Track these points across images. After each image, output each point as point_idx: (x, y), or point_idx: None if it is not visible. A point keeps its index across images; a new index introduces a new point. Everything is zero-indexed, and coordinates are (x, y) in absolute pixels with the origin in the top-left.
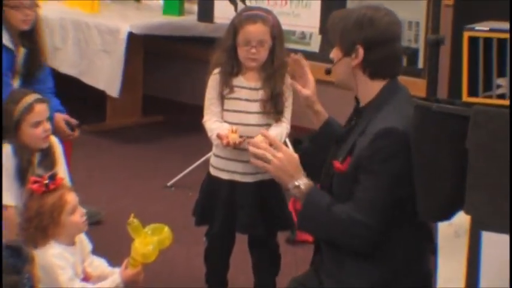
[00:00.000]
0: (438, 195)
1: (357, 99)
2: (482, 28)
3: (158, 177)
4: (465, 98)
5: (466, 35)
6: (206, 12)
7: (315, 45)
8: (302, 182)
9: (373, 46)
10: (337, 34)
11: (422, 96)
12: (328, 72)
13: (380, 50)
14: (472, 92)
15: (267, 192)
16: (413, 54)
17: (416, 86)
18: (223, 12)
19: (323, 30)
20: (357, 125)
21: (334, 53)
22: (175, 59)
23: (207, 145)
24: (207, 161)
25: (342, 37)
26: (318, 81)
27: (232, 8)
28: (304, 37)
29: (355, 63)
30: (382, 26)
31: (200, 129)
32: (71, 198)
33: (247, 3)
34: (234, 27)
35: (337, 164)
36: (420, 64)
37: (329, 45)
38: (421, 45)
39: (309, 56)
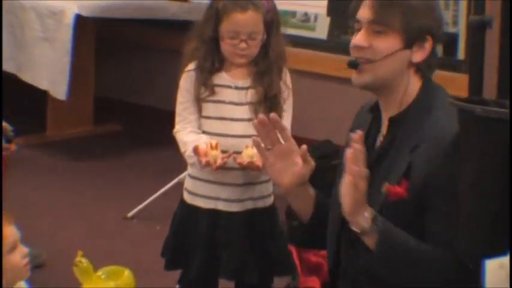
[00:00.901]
0: (481, 226)
1: (376, 106)
2: None
3: (115, 205)
4: None
5: None
6: None
7: (321, 31)
8: (370, 211)
9: (438, 36)
10: (398, 14)
11: (463, 97)
12: (354, 65)
13: (440, 39)
14: None
15: (260, 224)
16: (451, 41)
17: (456, 83)
18: None
19: (333, 10)
20: (395, 139)
21: (379, 41)
22: (138, 50)
23: (179, 163)
24: (179, 185)
25: (408, 21)
26: (327, 77)
27: None
28: (308, 19)
29: (419, 58)
30: (440, 10)
31: (170, 142)
32: (11, 232)
33: None
34: (217, 13)
35: (394, 189)
36: (460, 54)
37: (342, 29)
38: (461, 30)
39: (314, 44)
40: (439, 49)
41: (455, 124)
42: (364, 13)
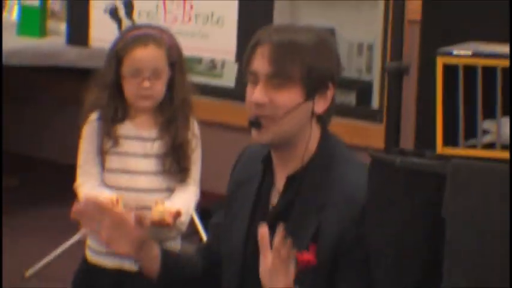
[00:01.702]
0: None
1: (266, 165)
2: (462, 52)
3: (12, 264)
4: (440, 149)
5: (441, 61)
6: (78, 32)
7: (228, 78)
8: None
9: (337, 81)
10: (297, 66)
11: (379, 149)
12: (257, 124)
13: (335, 88)
14: (450, 141)
15: None
16: (364, 89)
17: (370, 133)
18: (103, 33)
19: (241, 56)
20: (297, 198)
21: (280, 96)
22: (35, 98)
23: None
24: (81, 243)
25: (309, 71)
26: (235, 128)
27: (114, 26)
28: (215, 66)
29: (321, 109)
30: (338, 56)
31: (70, 197)
32: None
33: (137, 20)
34: (117, 54)
35: (303, 256)
36: (375, 103)
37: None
38: (375, 77)
39: (221, 92)
40: (353, 98)
41: (363, 180)
42: (260, 66)
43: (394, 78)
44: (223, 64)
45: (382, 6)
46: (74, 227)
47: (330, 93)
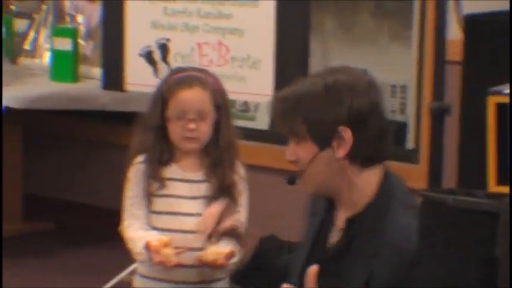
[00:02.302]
0: None
1: (330, 202)
2: None
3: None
4: (493, 187)
5: (492, 100)
6: (113, 77)
7: (262, 121)
8: None
9: (360, 120)
10: (298, 121)
11: (418, 189)
12: (292, 181)
13: (370, 123)
14: (503, 179)
15: None
16: (399, 130)
17: (407, 174)
18: (138, 78)
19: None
20: (354, 240)
21: (299, 151)
22: (69, 142)
23: (118, 262)
24: (121, 285)
25: (311, 123)
26: (268, 170)
27: (149, 70)
28: (247, 109)
29: (342, 153)
30: (364, 89)
31: (106, 240)
32: None
33: (173, 63)
34: (162, 97)
35: None
36: (409, 143)
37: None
38: (410, 117)
39: (254, 135)
40: None
41: (415, 225)
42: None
43: (436, 118)
44: (256, 107)
45: (415, 47)
46: (111, 269)
47: (345, 134)
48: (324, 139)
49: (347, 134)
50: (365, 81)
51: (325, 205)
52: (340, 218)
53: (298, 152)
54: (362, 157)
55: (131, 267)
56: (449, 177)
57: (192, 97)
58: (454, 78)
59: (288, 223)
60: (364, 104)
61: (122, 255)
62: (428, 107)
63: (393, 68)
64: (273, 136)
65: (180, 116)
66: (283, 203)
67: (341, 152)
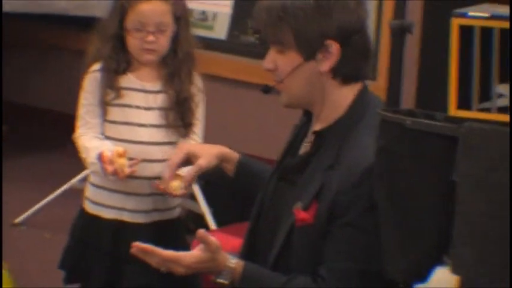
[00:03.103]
0: (412, 246)
1: (307, 113)
2: (478, 14)
3: (2, 211)
4: (453, 111)
5: (456, 22)
6: None
7: (220, 30)
8: (228, 268)
9: (348, 36)
10: (285, 30)
11: (389, 108)
12: (267, 90)
13: (357, 40)
14: (463, 104)
15: (166, 238)
16: None
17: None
18: None
19: (238, 11)
20: (317, 153)
21: (281, 60)
22: (24, 47)
23: (70, 168)
24: (70, 191)
25: (299, 33)
26: (229, 81)
27: None
28: (206, 18)
29: (327, 66)
30: (353, 5)
31: (59, 146)
32: None
33: None
34: (122, 6)
35: (300, 214)
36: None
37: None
38: (371, 34)
39: (213, 45)
40: None
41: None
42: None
43: (397, 36)
44: (214, 16)
45: None
46: (62, 175)
47: (334, 49)
48: (310, 50)
49: (335, 48)
50: None
51: (304, 117)
52: (312, 131)
53: (278, 61)
54: (344, 73)
55: (82, 174)
56: (407, 97)
57: (152, 9)
58: None
59: (242, 134)
60: (352, 20)
61: (74, 161)
62: (388, 24)
63: None
64: (230, 46)
65: (139, 28)
66: (239, 113)
67: (325, 66)
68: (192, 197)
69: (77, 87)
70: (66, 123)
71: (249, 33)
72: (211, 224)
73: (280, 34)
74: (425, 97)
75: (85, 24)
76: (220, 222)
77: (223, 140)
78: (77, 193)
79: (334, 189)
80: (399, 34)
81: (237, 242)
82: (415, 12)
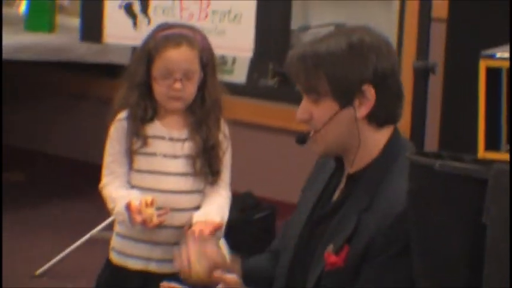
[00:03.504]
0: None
1: (339, 160)
2: (506, 55)
3: (23, 262)
4: (482, 153)
5: (484, 64)
6: (92, 28)
7: (239, 74)
8: None
9: (384, 81)
10: (320, 78)
11: (417, 151)
12: (302, 141)
13: (391, 84)
14: (492, 145)
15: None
16: None
17: None
18: (117, 29)
19: (259, 53)
20: (350, 196)
21: (316, 109)
22: (43, 94)
23: (90, 217)
24: (91, 241)
25: (334, 80)
26: (249, 125)
27: (129, 22)
28: (225, 62)
29: (364, 112)
30: (386, 50)
31: (80, 195)
32: None
33: (152, 14)
34: (148, 54)
35: (330, 258)
36: None
37: (262, 75)
38: None
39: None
40: None
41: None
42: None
43: (421, 76)
44: (233, 61)
45: (396, 5)
46: (82, 224)
47: (369, 94)
48: (346, 97)
49: (371, 93)
50: (386, 43)
51: (335, 163)
52: (344, 179)
53: (313, 110)
54: (380, 118)
55: (103, 224)
56: (431, 138)
57: (179, 57)
58: (438, 36)
59: (266, 179)
60: (387, 65)
61: (95, 210)
62: (412, 65)
63: (374, 26)
64: (250, 90)
65: (166, 75)
66: (261, 157)
67: (363, 111)
68: None
69: (99, 136)
70: (87, 172)
71: (269, 77)
72: None
73: (314, 82)
74: (448, 138)
75: (107, 71)
76: None
77: (245, 184)
78: (98, 243)
79: (368, 233)
80: (423, 75)
81: None
82: (437, 52)
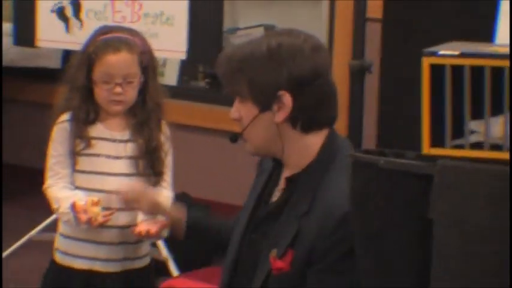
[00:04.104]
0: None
1: (277, 162)
2: (449, 52)
3: None
4: (427, 149)
5: (427, 61)
6: (25, 33)
7: (170, 76)
8: None
9: (302, 86)
10: (242, 81)
11: (359, 149)
12: (234, 139)
13: (312, 89)
14: (436, 141)
15: (136, 285)
16: None
17: None
18: (50, 34)
19: (192, 55)
20: (289, 200)
21: (242, 110)
22: None
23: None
24: (31, 243)
25: (253, 85)
26: (182, 127)
27: (62, 25)
28: None
29: (281, 117)
30: (308, 53)
31: (14, 198)
32: None
33: (84, 17)
34: (88, 57)
35: (276, 263)
36: None
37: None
38: None
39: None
40: None
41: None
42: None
43: (357, 76)
44: (164, 63)
45: (326, 5)
46: (20, 227)
47: (286, 100)
48: (264, 102)
49: (286, 99)
50: (310, 46)
51: (272, 164)
52: (283, 178)
53: (241, 110)
54: (302, 122)
55: (41, 226)
56: (368, 137)
57: (119, 61)
58: (372, 36)
59: (199, 179)
60: (305, 69)
61: (31, 213)
62: (348, 65)
63: (303, 26)
64: (181, 92)
65: (107, 80)
66: (194, 158)
67: (280, 116)
68: (154, 244)
69: (30, 140)
70: (18, 175)
71: (199, 79)
72: (174, 270)
73: (237, 86)
74: (387, 137)
75: (38, 76)
76: (184, 267)
77: (180, 185)
78: (37, 245)
79: (311, 236)
80: (359, 74)
81: (201, 287)
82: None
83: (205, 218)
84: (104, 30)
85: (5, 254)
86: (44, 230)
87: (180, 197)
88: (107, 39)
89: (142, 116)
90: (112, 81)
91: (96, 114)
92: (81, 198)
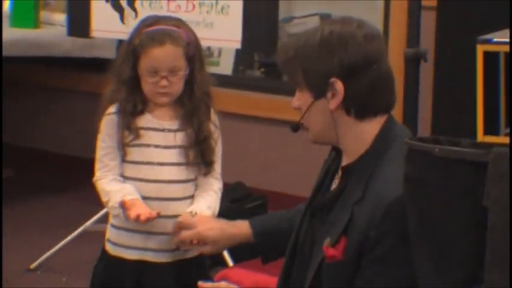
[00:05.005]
0: (447, 276)
1: (336, 150)
2: (503, 39)
3: (16, 256)
4: (481, 137)
5: (481, 49)
6: (79, 23)
7: (225, 66)
8: None
9: (353, 73)
10: (297, 70)
11: (414, 137)
12: (296, 129)
13: (365, 76)
14: (490, 129)
15: (189, 275)
16: None
17: None
18: (104, 24)
19: (247, 44)
20: (345, 189)
21: (300, 98)
22: (31, 90)
23: (79, 210)
24: (86, 234)
25: (306, 73)
26: (238, 116)
27: (116, 16)
28: (211, 55)
29: (334, 104)
30: (360, 41)
31: (68, 189)
32: None
33: (139, 7)
34: (134, 51)
35: (329, 251)
36: None
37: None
38: None
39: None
40: None
41: (398, 176)
42: None
43: (412, 64)
44: (219, 52)
45: None
46: (72, 218)
47: (338, 87)
48: (318, 89)
49: (338, 85)
50: (363, 33)
51: (333, 153)
52: (341, 167)
53: (300, 99)
54: (355, 109)
55: (96, 217)
56: (423, 124)
57: (164, 55)
58: (427, 24)
59: (256, 169)
60: (357, 56)
61: (87, 204)
62: (403, 53)
63: (358, 15)
64: (237, 81)
65: (152, 73)
66: (250, 148)
67: (333, 103)
68: None
69: (86, 130)
70: (74, 166)
71: (254, 68)
72: (228, 260)
73: (294, 75)
74: (441, 124)
75: (93, 66)
76: (237, 258)
77: (235, 175)
78: (91, 236)
79: (362, 224)
80: (414, 62)
81: (257, 277)
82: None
83: (270, 221)
84: (149, 21)
85: (60, 244)
86: (99, 221)
87: (236, 187)
88: (152, 32)
89: (191, 106)
90: (157, 74)
91: (143, 104)
92: (130, 192)
